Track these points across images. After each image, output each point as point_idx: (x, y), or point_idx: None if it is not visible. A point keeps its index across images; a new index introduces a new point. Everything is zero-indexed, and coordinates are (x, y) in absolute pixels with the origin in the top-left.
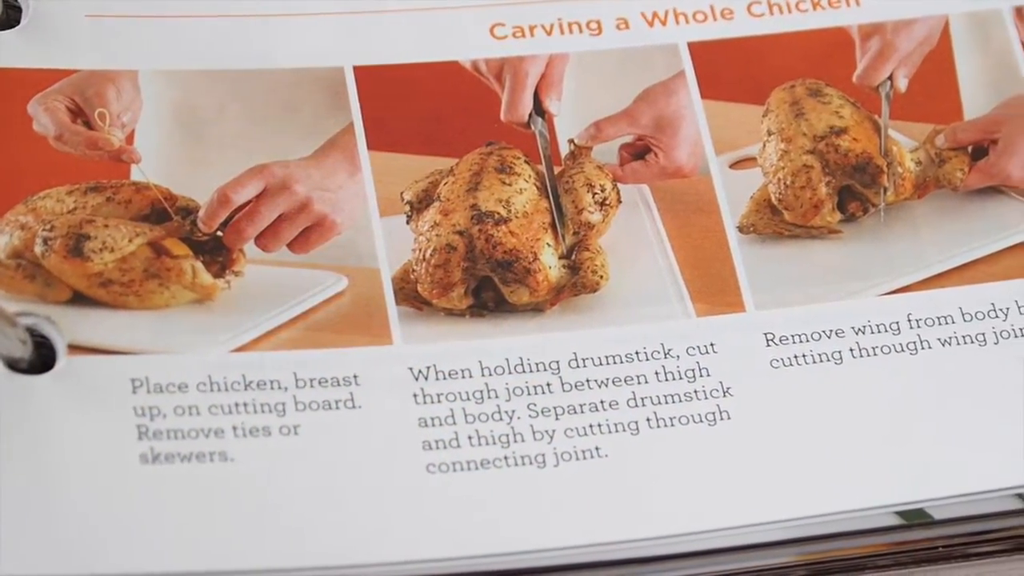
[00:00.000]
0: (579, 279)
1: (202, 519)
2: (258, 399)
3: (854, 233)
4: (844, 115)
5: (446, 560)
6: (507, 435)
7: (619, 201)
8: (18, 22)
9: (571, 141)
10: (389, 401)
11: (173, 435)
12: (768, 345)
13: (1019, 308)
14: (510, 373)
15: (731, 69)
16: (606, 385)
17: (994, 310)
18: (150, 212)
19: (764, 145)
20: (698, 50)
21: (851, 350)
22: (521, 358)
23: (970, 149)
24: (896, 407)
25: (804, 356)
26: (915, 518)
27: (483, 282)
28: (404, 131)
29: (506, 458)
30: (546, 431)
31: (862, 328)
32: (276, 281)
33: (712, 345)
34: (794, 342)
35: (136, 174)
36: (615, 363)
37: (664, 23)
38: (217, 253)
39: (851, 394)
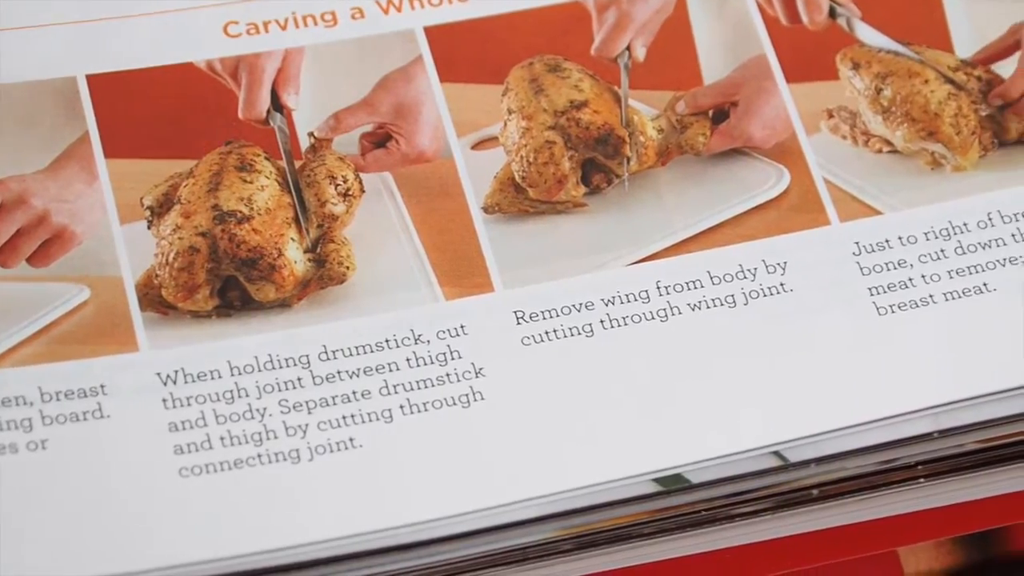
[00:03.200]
0: (325, 271)
1: None
2: (2, 416)
3: (600, 205)
4: (584, 88)
5: (206, 562)
6: (260, 433)
7: (362, 191)
8: None
9: (311, 134)
10: (138, 408)
11: None
12: (518, 323)
13: (767, 268)
14: (260, 371)
15: (468, 51)
16: (357, 375)
17: (742, 271)
18: None
19: (505, 124)
20: (435, 34)
21: (601, 322)
22: (270, 355)
23: (711, 113)
24: (649, 374)
25: (555, 331)
26: (673, 484)
27: (228, 282)
28: (141, 136)
29: (260, 456)
30: (299, 426)
31: (611, 299)
32: (16, 296)
33: (462, 327)
34: (544, 318)
35: None
36: (365, 353)
37: (399, 9)
38: None
39: (603, 365)
